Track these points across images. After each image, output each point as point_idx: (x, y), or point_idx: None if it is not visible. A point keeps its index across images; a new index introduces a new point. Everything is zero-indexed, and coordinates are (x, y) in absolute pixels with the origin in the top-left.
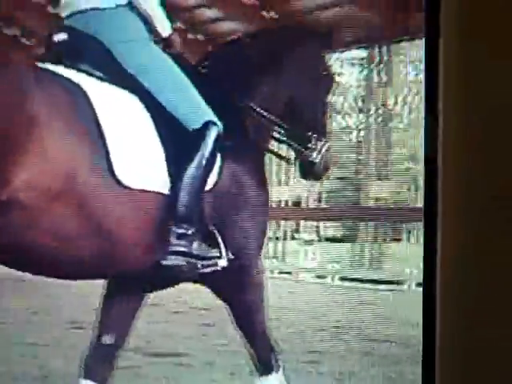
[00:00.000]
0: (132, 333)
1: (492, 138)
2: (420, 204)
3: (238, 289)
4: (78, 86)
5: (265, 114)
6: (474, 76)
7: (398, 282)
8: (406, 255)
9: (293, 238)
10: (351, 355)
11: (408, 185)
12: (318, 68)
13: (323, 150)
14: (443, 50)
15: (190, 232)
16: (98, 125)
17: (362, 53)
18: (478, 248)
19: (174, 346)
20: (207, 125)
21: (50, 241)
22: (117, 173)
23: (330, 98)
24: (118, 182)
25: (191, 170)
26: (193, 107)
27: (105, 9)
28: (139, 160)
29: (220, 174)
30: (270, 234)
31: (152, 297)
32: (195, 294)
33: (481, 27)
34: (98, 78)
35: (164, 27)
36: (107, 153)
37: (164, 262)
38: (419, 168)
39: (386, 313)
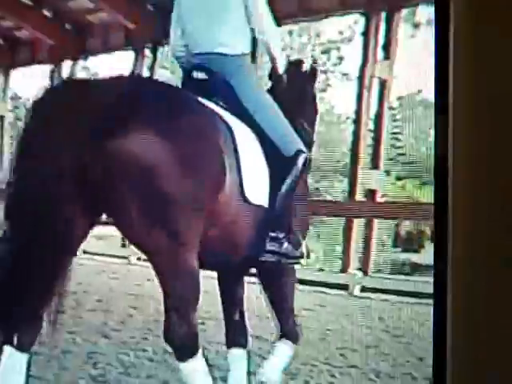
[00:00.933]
0: None
1: (503, 135)
2: None
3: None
4: (224, 120)
5: (309, 129)
6: (484, 73)
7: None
8: None
9: None
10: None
11: None
12: (314, 97)
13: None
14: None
15: (281, 236)
16: (237, 154)
17: None
18: (489, 246)
19: None
20: (298, 153)
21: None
22: (245, 192)
23: None
24: (245, 200)
25: (285, 188)
26: (288, 139)
27: (232, 55)
28: (256, 180)
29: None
30: None
31: None
32: None
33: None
34: (229, 112)
35: (282, 67)
36: (241, 177)
37: (261, 258)
38: None
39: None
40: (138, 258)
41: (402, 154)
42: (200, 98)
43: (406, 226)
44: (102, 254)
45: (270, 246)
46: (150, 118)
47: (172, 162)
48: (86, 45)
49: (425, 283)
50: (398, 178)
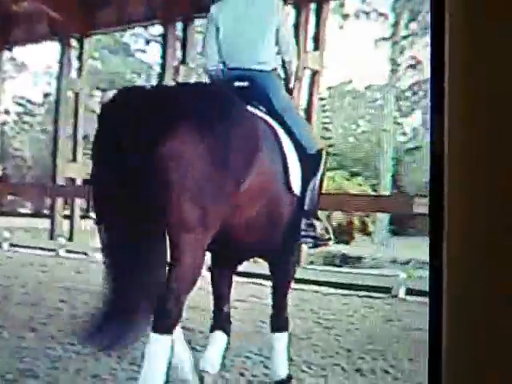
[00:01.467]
0: None
1: (501, 132)
2: None
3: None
4: (265, 121)
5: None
6: (481, 72)
7: None
8: None
9: (83, 217)
10: None
11: None
12: None
13: None
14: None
15: (313, 222)
16: (282, 149)
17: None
18: (486, 247)
19: None
20: (320, 151)
21: (244, 234)
22: (291, 182)
23: None
24: (289, 189)
25: (315, 180)
26: (311, 138)
27: (269, 71)
28: (294, 173)
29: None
30: (63, 212)
31: None
32: None
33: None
34: (266, 114)
35: (293, 86)
36: (286, 169)
37: (299, 242)
38: None
39: None
40: (68, 251)
41: (332, 145)
42: (248, 107)
43: (337, 217)
44: (30, 247)
45: (306, 232)
46: (200, 121)
47: (208, 157)
48: (11, 35)
49: (356, 275)
50: (328, 169)
